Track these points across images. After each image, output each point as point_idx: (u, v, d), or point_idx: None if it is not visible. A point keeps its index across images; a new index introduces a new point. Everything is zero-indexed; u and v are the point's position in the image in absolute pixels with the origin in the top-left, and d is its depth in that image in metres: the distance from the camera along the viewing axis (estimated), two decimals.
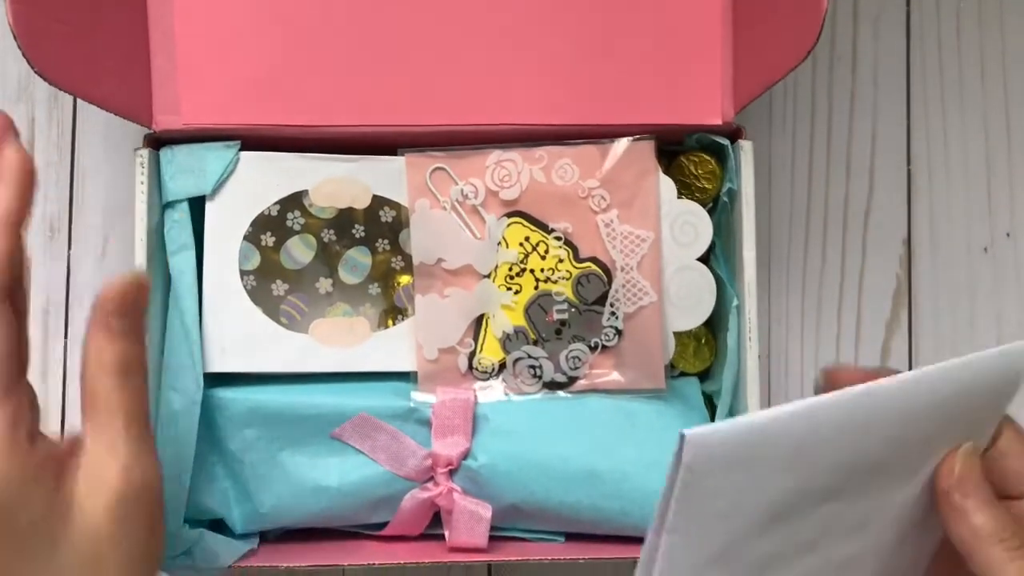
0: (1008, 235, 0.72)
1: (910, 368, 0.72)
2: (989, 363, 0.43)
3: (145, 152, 0.60)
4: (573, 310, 0.62)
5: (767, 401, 0.71)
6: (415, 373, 0.62)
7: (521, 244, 0.62)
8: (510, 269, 0.62)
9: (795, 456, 0.41)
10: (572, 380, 0.63)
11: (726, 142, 0.62)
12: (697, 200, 0.63)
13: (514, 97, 0.61)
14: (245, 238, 0.61)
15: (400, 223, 0.63)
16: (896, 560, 0.47)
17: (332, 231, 0.63)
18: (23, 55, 0.56)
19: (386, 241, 0.63)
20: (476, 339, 0.62)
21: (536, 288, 0.62)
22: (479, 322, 0.62)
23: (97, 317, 0.49)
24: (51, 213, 0.70)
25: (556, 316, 0.62)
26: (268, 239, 0.62)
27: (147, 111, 0.60)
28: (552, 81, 0.61)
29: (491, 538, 0.61)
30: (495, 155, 0.62)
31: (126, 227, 0.70)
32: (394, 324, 0.63)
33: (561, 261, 0.62)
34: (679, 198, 0.62)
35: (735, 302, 0.61)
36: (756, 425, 0.40)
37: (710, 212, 0.63)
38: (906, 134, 0.73)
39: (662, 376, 0.62)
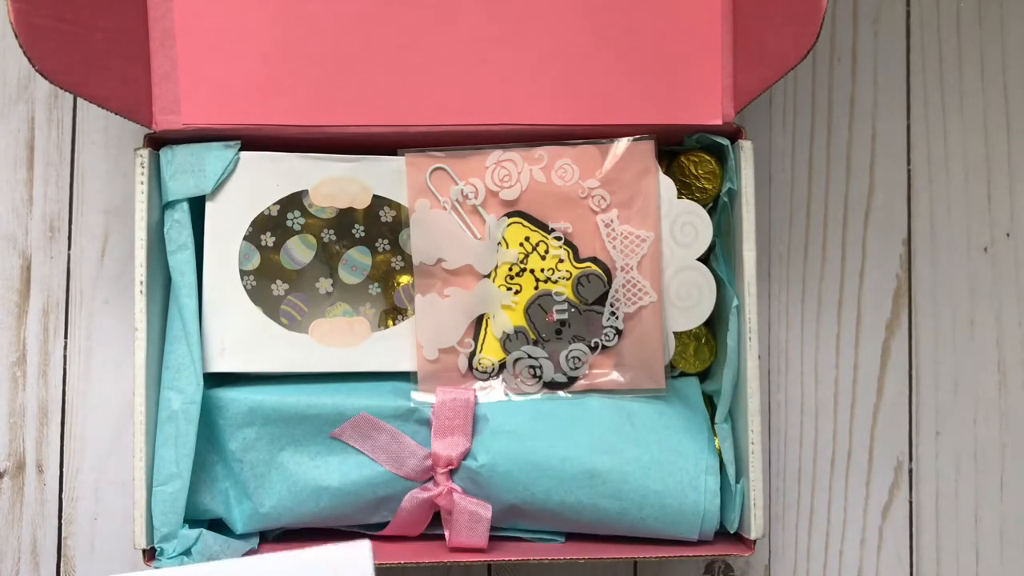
0: (1008, 235, 0.72)
1: (910, 368, 0.72)
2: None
3: (145, 152, 0.60)
4: (573, 310, 0.62)
5: (767, 401, 0.71)
6: (415, 373, 0.62)
7: (521, 244, 0.62)
8: (510, 269, 0.62)
9: None
10: (572, 380, 0.63)
11: (726, 142, 0.62)
12: (697, 200, 0.63)
13: (514, 97, 0.61)
14: (245, 238, 0.61)
15: (400, 223, 0.63)
16: None
17: (332, 231, 0.63)
18: (24, 54, 0.56)
19: (386, 241, 0.63)
20: (476, 339, 0.62)
21: (536, 288, 0.62)
22: (479, 322, 0.62)
23: None
24: (51, 213, 0.70)
25: (556, 316, 0.62)
26: (268, 239, 0.62)
27: (147, 111, 0.60)
28: (552, 81, 0.61)
29: (491, 538, 0.61)
30: (495, 155, 0.62)
31: (126, 227, 0.70)
32: (394, 324, 0.63)
33: (561, 261, 0.62)
34: (679, 198, 0.62)
35: (735, 302, 0.61)
36: None
37: (710, 212, 0.63)
38: (906, 134, 0.73)
39: (662, 376, 0.62)
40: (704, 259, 0.63)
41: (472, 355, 0.62)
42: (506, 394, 0.62)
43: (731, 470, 0.61)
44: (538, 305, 0.62)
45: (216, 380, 0.61)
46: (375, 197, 0.62)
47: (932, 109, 0.73)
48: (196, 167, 0.60)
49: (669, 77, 0.61)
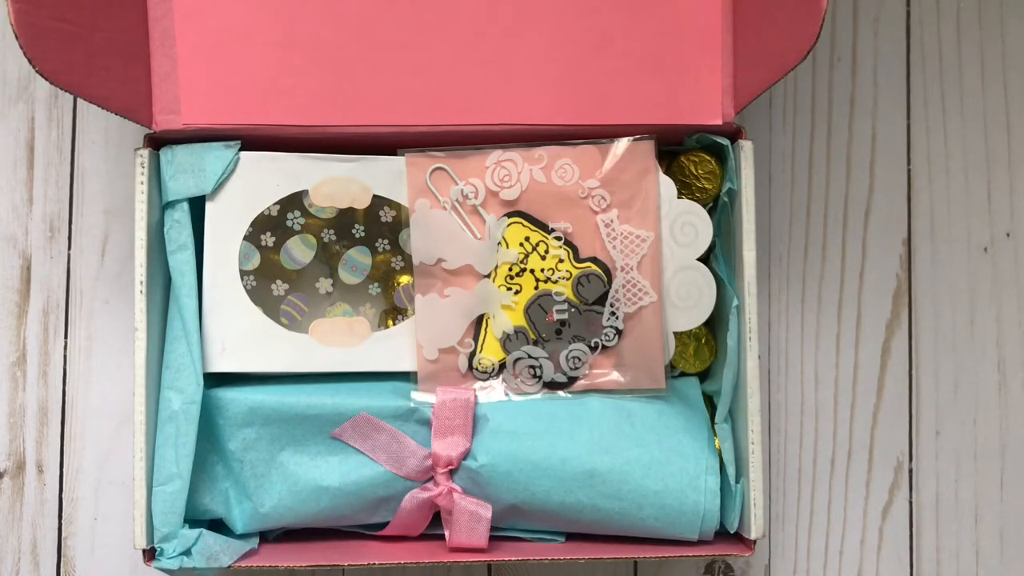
0: (1008, 235, 0.72)
1: (910, 368, 0.72)
2: None
3: (145, 152, 0.60)
4: (573, 310, 0.62)
5: (767, 401, 0.71)
6: (415, 373, 0.62)
7: (521, 244, 0.62)
8: (510, 269, 0.62)
9: None
10: (572, 380, 0.63)
11: (726, 142, 0.62)
12: (697, 200, 0.63)
13: (514, 97, 0.61)
14: (245, 238, 0.61)
15: (400, 223, 0.63)
16: None
17: (332, 231, 0.63)
18: (24, 55, 0.56)
19: (386, 241, 0.63)
20: (476, 339, 0.62)
21: (536, 288, 0.62)
22: (479, 322, 0.62)
23: None
24: (51, 213, 0.70)
25: (556, 316, 0.62)
26: (268, 239, 0.62)
27: (147, 111, 0.60)
28: (552, 81, 0.61)
29: (491, 538, 0.61)
30: (495, 155, 0.62)
31: (126, 227, 0.70)
32: (394, 324, 0.63)
33: (561, 261, 0.62)
34: (679, 198, 0.62)
35: (735, 302, 0.61)
36: None
37: (710, 212, 0.63)
38: (906, 134, 0.73)
39: (662, 376, 0.62)
40: (704, 259, 0.63)
41: (472, 355, 0.62)
42: (506, 394, 0.62)
43: (731, 470, 0.61)
44: (538, 305, 0.62)
45: (216, 380, 0.61)
46: (375, 197, 0.62)
47: (932, 109, 0.73)
48: (196, 167, 0.60)
49: (669, 77, 0.61)
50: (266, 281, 0.62)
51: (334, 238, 0.63)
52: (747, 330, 0.61)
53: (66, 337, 0.70)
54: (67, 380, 0.70)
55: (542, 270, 0.62)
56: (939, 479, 0.71)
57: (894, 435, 0.71)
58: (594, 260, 0.62)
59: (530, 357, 0.62)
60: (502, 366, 0.63)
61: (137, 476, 0.59)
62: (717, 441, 0.62)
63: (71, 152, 0.71)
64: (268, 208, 0.61)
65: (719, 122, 0.61)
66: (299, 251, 0.62)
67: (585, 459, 0.60)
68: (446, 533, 0.62)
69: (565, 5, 0.61)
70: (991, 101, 0.73)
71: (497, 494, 0.61)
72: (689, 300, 0.62)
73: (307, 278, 0.63)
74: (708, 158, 0.64)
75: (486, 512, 0.60)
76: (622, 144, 0.62)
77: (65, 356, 0.70)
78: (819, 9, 0.57)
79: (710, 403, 0.64)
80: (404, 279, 0.63)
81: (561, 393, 0.63)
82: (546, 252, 0.62)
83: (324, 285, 0.63)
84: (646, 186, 0.62)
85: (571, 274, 0.62)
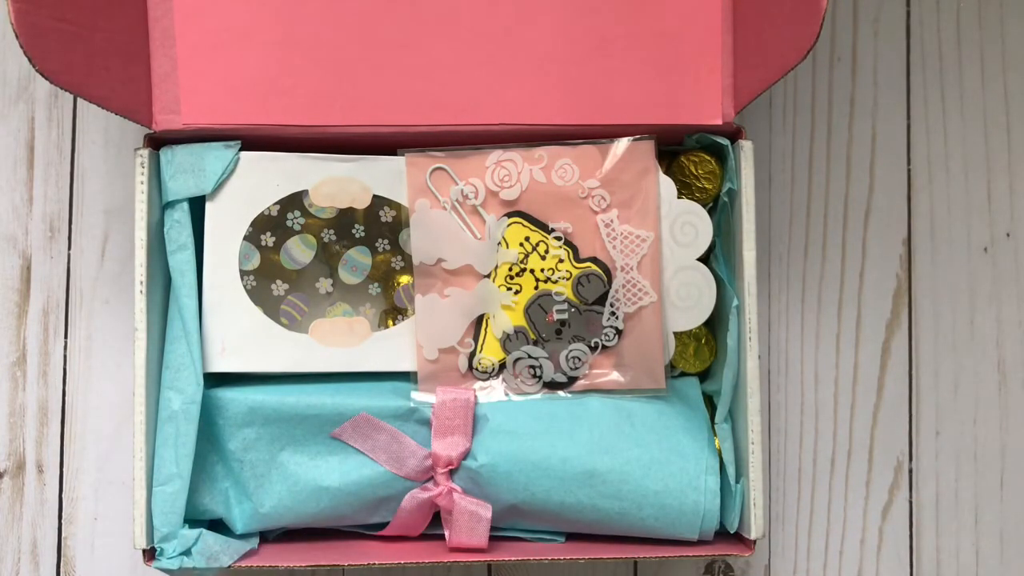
0: (1008, 235, 0.72)
1: (910, 368, 0.72)
2: None
3: (145, 152, 0.60)
4: (573, 310, 0.62)
5: (767, 401, 0.71)
6: (415, 373, 0.62)
7: (521, 244, 0.62)
8: (510, 269, 0.62)
9: None
10: (572, 380, 0.63)
11: (726, 142, 0.62)
12: (697, 200, 0.63)
13: (514, 97, 0.61)
14: (245, 238, 0.61)
15: (400, 223, 0.63)
16: None
17: (332, 231, 0.63)
18: (24, 54, 0.56)
19: (386, 241, 0.63)
20: (476, 339, 0.62)
21: (536, 288, 0.62)
22: (479, 322, 0.62)
23: None
24: (51, 213, 0.70)
25: (556, 316, 0.62)
26: (268, 239, 0.62)
27: (147, 111, 0.60)
28: (552, 81, 0.61)
29: (491, 538, 0.61)
30: (495, 155, 0.62)
31: (126, 227, 0.70)
32: (394, 324, 0.63)
33: (561, 261, 0.62)
34: (679, 198, 0.62)
35: (735, 302, 0.61)
36: None
37: (710, 212, 0.63)
38: (906, 134, 0.73)
39: (662, 376, 0.62)
40: (704, 259, 0.63)
41: (472, 355, 0.62)
42: (506, 394, 0.62)
43: (731, 470, 0.61)
44: (538, 305, 0.62)
45: (216, 380, 0.61)
46: (375, 197, 0.62)
47: (932, 109, 0.73)
48: (196, 167, 0.60)
49: (669, 77, 0.61)
50: (266, 281, 0.62)
51: (334, 238, 0.63)
52: (747, 330, 0.61)
53: (66, 337, 0.70)
54: (67, 380, 0.70)
55: (542, 270, 0.62)
56: (939, 479, 0.71)
57: (894, 435, 0.71)
58: (594, 260, 0.62)
59: (530, 357, 0.62)
60: (502, 366, 0.63)
61: (137, 476, 0.59)
62: (717, 441, 0.62)
63: (71, 152, 0.71)
64: (268, 208, 0.61)
65: (719, 122, 0.61)
66: (299, 251, 0.62)
67: (585, 459, 0.60)
68: (446, 533, 0.62)
69: (565, 5, 0.61)
70: (991, 101, 0.73)
71: (497, 494, 0.61)
72: (689, 300, 0.62)
73: (307, 278, 0.63)
74: (708, 158, 0.64)
75: (486, 512, 0.60)
76: (622, 144, 0.62)
77: (65, 356, 0.70)
78: (819, 9, 0.57)
79: (710, 403, 0.64)
80: (404, 279, 0.63)
81: (561, 393, 0.63)
82: (546, 252, 0.62)
83: (324, 285, 0.63)
84: (646, 186, 0.62)
85: (571, 274, 0.62)
